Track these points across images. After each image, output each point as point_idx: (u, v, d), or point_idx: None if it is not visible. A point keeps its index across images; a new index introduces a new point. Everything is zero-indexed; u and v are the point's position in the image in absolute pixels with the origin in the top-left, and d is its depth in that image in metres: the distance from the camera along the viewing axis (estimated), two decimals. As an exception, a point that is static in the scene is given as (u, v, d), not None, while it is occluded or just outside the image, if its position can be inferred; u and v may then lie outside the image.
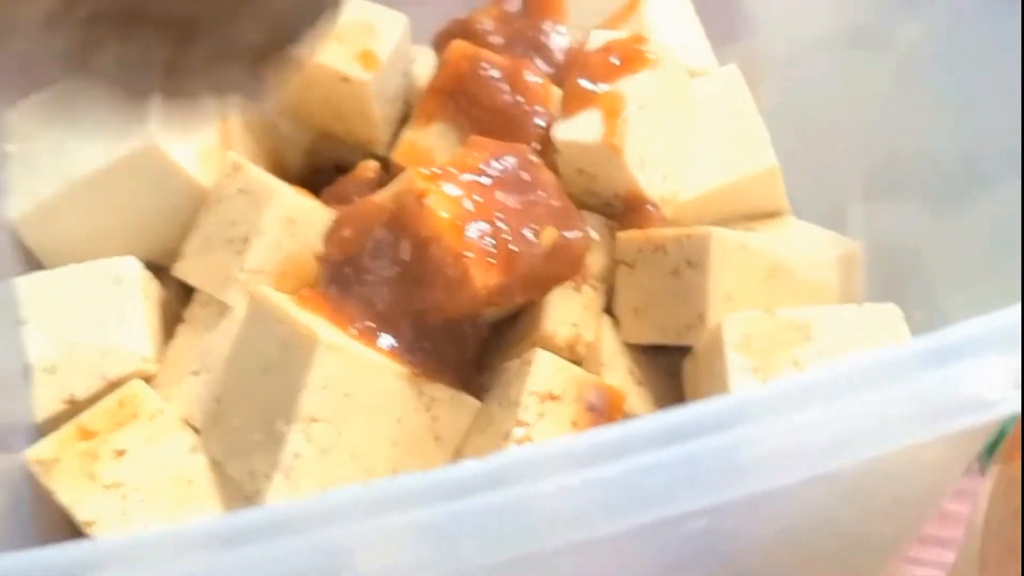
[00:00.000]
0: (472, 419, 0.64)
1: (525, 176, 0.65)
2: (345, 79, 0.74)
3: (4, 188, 0.71)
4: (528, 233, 0.63)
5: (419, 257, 0.62)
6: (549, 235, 0.63)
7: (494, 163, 0.65)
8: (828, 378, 0.43)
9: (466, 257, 0.60)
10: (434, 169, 0.63)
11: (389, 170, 0.76)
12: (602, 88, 0.69)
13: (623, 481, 0.42)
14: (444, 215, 0.61)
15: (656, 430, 0.43)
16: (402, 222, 0.62)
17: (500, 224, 0.62)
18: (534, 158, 0.66)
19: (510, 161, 0.65)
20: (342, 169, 0.80)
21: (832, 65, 0.77)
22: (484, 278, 0.61)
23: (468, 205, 0.62)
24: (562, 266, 0.64)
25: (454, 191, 0.62)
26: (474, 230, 0.62)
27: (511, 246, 0.62)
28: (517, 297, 0.64)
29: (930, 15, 0.69)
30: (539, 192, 0.65)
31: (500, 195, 0.63)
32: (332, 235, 0.65)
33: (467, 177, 0.63)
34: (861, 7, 0.75)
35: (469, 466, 0.42)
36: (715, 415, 0.43)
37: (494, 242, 0.62)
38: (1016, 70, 0.62)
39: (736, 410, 0.43)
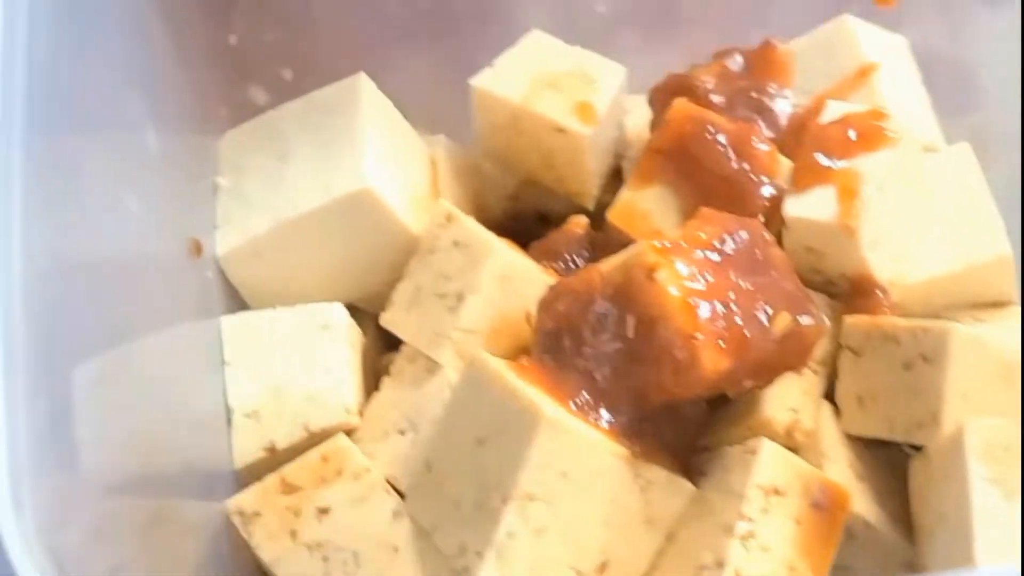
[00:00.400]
0: (686, 504, 0.61)
1: (758, 255, 0.62)
2: (561, 130, 0.72)
3: (214, 222, 0.70)
4: (761, 316, 0.60)
5: (645, 335, 0.59)
6: (783, 321, 0.60)
7: (727, 239, 0.62)
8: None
9: (696, 339, 0.58)
10: (665, 242, 0.60)
11: (596, 225, 0.73)
12: (839, 164, 0.66)
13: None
14: (675, 293, 0.59)
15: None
16: (628, 296, 0.60)
17: (732, 306, 0.60)
18: (767, 235, 0.63)
19: (743, 237, 0.62)
20: (544, 216, 0.79)
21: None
22: (714, 363, 0.58)
23: (699, 283, 0.60)
24: (793, 355, 0.62)
25: (685, 268, 0.60)
26: (705, 310, 0.59)
27: (744, 330, 0.59)
28: (745, 383, 0.61)
29: None
30: (772, 273, 0.62)
31: (732, 274, 0.61)
32: (548, 305, 0.62)
33: (699, 253, 0.61)
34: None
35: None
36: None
37: (725, 324, 0.59)
38: None
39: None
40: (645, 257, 0.60)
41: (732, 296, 0.60)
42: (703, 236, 0.62)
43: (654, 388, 0.59)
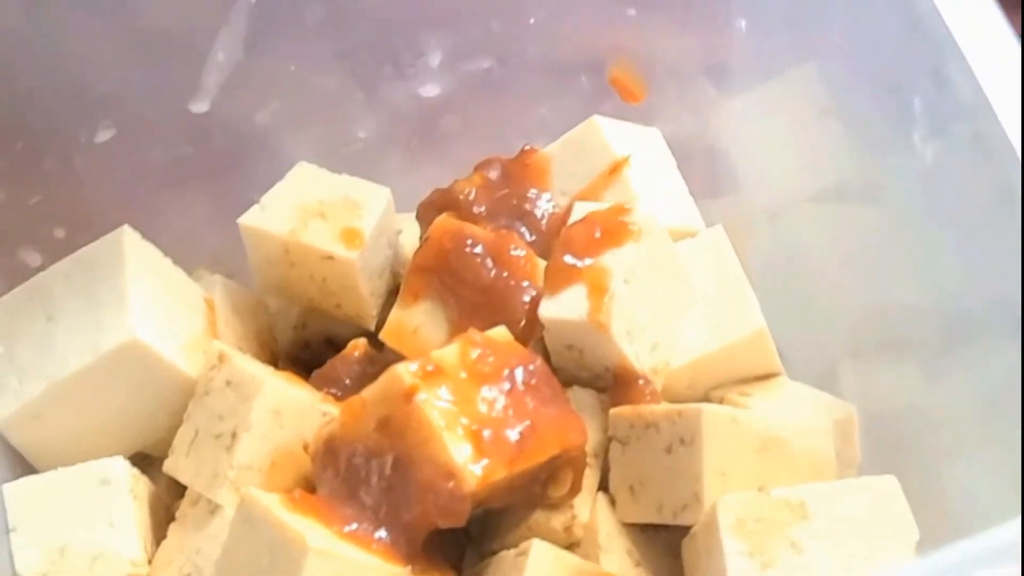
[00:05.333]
0: (469, 614, 0.63)
1: (532, 383, 0.64)
2: (330, 257, 0.74)
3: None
4: (523, 435, 0.62)
5: (404, 474, 0.61)
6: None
7: (509, 372, 0.64)
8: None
9: (457, 469, 0.60)
10: (427, 365, 0.62)
11: (377, 346, 0.75)
12: (586, 263, 0.69)
13: None
14: (435, 416, 0.61)
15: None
16: (390, 426, 0.62)
17: (497, 425, 0.62)
18: (532, 367, 0.65)
19: (528, 371, 0.65)
20: (332, 341, 0.80)
21: (818, 219, 0.77)
22: (477, 483, 0.60)
23: (461, 405, 0.62)
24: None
25: (445, 391, 0.62)
26: (466, 433, 0.61)
27: (508, 452, 0.61)
28: (507, 500, 0.63)
29: (914, 168, 0.69)
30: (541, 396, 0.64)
31: (499, 395, 0.63)
32: (318, 438, 0.64)
33: (463, 374, 0.63)
34: (844, 163, 0.75)
35: None
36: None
37: (490, 445, 0.61)
38: (1009, 219, 0.61)
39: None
40: (401, 382, 0.62)
41: (498, 415, 0.62)
42: (481, 368, 0.64)
43: (421, 522, 0.61)
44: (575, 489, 0.66)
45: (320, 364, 0.76)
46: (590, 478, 0.68)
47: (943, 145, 0.64)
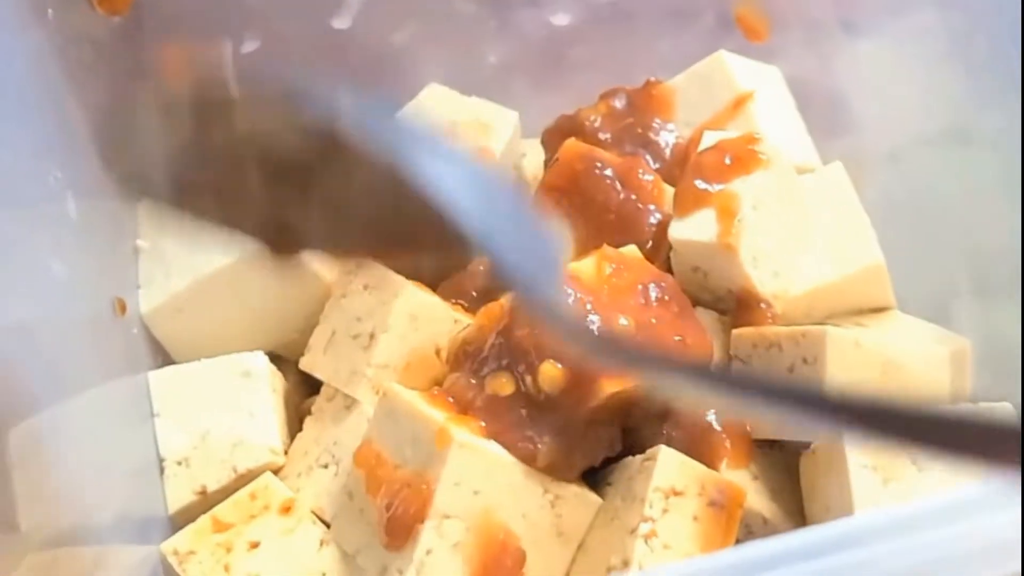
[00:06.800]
0: (594, 515, 0.65)
1: (654, 293, 0.67)
2: (461, 175, 0.76)
3: (137, 282, 0.74)
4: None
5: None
6: None
7: (642, 288, 0.66)
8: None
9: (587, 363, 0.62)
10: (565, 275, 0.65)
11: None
12: (716, 188, 0.71)
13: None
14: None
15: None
16: (529, 321, 0.64)
17: (623, 327, 0.64)
18: (664, 284, 0.68)
19: (661, 287, 0.67)
20: (453, 260, 0.83)
21: (935, 160, 0.79)
22: (609, 384, 0.62)
23: (592, 310, 0.64)
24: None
25: (579, 296, 0.64)
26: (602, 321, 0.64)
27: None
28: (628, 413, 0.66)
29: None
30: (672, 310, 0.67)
31: (625, 302, 0.65)
32: (455, 360, 0.68)
33: (596, 285, 0.65)
34: (961, 103, 0.76)
35: None
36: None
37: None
38: None
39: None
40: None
41: (623, 319, 0.65)
42: (616, 282, 0.66)
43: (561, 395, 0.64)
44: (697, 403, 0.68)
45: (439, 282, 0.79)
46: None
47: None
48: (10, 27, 0.63)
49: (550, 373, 0.63)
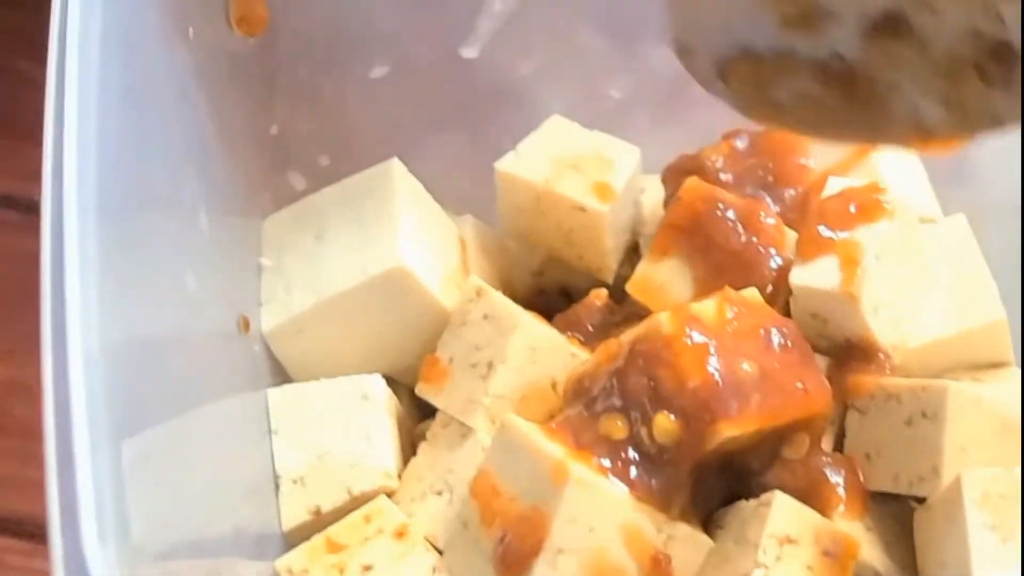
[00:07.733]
0: (705, 556, 0.65)
1: (776, 339, 0.67)
2: (581, 209, 0.77)
3: (259, 300, 0.75)
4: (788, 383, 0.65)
5: (660, 398, 0.64)
6: None
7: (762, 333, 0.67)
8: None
9: (712, 404, 0.63)
10: (687, 317, 0.65)
11: (616, 298, 0.78)
12: (840, 236, 0.71)
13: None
14: (690, 360, 0.63)
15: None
16: (648, 363, 0.65)
17: (745, 371, 0.64)
18: (786, 329, 0.68)
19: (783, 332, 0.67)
20: (567, 292, 0.83)
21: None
22: (727, 428, 0.63)
23: (714, 353, 0.64)
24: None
25: (701, 338, 0.64)
26: (722, 370, 0.64)
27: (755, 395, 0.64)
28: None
29: None
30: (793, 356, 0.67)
31: (746, 346, 0.65)
32: (571, 395, 0.68)
33: (718, 328, 0.66)
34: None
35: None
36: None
37: (738, 391, 0.64)
38: None
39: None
40: (663, 328, 0.65)
41: (746, 366, 0.65)
42: (739, 326, 0.66)
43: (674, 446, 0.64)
44: (813, 453, 0.68)
45: (552, 310, 0.79)
46: (826, 442, 0.70)
47: None
48: (153, 45, 0.64)
49: (665, 426, 0.63)
